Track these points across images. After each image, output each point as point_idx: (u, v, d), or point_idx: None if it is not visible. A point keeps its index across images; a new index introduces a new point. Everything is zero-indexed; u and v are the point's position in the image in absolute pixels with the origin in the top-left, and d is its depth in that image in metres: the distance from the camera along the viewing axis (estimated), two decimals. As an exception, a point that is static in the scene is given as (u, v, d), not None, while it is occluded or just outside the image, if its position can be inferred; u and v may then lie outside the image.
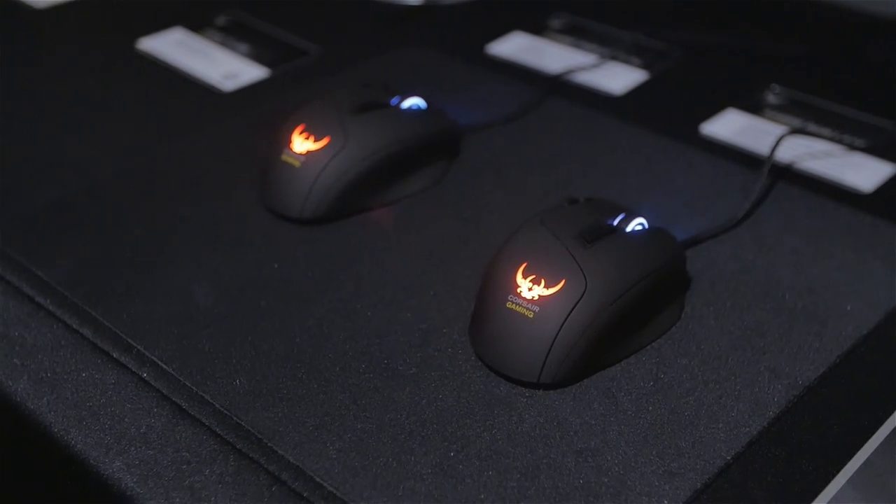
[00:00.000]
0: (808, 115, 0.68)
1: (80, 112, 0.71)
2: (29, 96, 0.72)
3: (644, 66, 0.74)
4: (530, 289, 0.48)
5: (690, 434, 0.45)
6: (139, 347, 0.50)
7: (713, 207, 0.59)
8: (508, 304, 0.48)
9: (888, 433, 0.45)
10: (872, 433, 0.45)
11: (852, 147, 0.64)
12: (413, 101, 0.62)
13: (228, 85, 0.73)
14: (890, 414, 0.46)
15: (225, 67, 0.75)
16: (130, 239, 0.58)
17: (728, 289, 0.53)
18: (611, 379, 0.48)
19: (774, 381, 0.48)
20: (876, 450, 0.44)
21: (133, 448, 0.46)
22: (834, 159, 0.63)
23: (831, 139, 0.65)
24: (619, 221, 0.52)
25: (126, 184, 0.62)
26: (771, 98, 0.70)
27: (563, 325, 0.47)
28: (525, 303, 0.48)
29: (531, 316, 0.47)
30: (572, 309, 0.47)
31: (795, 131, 0.65)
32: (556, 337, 0.47)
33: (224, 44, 0.78)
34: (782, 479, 0.44)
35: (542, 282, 0.48)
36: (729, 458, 0.44)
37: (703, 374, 0.48)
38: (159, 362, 0.49)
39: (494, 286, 0.49)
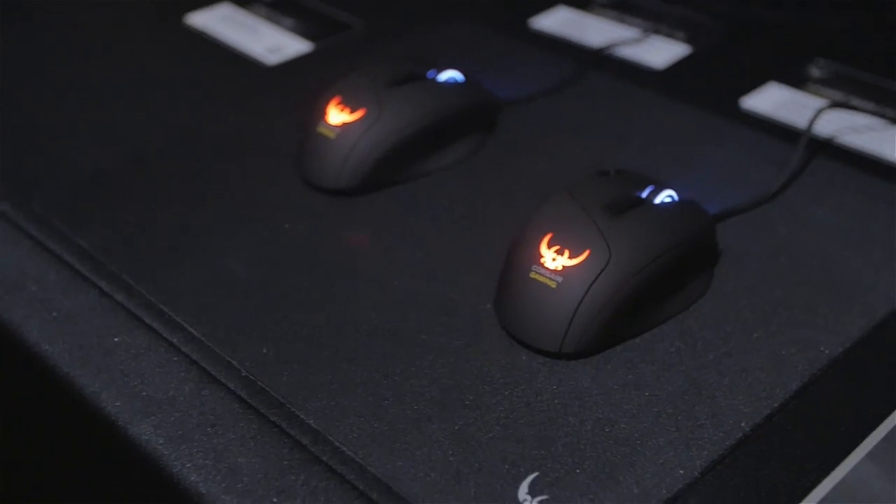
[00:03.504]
0: (851, 88, 0.67)
1: (126, 85, 0.72)
2: (78, 69, 0.74)
3: (687, 41, 0.74)
4: (554, 259, 0.48)
5: (710, 405, 0.45)
6: (170, 314, 0.51)
7: (748, 181, 0.59)
8: (532, 274, 0.48)
9: (912, 408, 0.45)
10: (895, 408, 0.45)
11: (895, 121, 0.63)
12: (450, 74, 0.63)
13: (272, 58, 0.74)
14: (915, 388, 0.46)
15: (270, 41, 0.76)
16: (169, 209, 0.59)
17: (758, 262, 0.53)
18: (632, 350, 0.48)
19: (798, 354, 0.48)
20: (898, 424, 0.44)
21: (161, 411, 0.47)
22: (875, 133, 0.62)
23: (874, 113, 0.64)
24: (648, 193, 0.52)
25: (168, 155, 0.64)
26: (814, 71, 0.69)
27: (585, 295, 0.47)
28: (548, 273, 0.48)
29: (554, 286, 0.47)
30: (595, 279, 0.47)
31: (836, 104, 0.64)
32: (578, 307, 0.47)
33: (270, 18, 0.79)
34: (800, 452, 0.43)
35: (566, 252, 0.48)
36: (748, 429, 0.44)
37: (726, 346, 0.48)
38: (189, 328, 0.50)
39: (519, 256, 0.49)
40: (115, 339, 0.50)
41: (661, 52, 0.73)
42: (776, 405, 0.45)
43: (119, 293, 0.53)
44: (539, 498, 0.42)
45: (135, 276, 0.54)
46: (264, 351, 0.49)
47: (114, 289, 0.53)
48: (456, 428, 0.45)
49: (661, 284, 0.49)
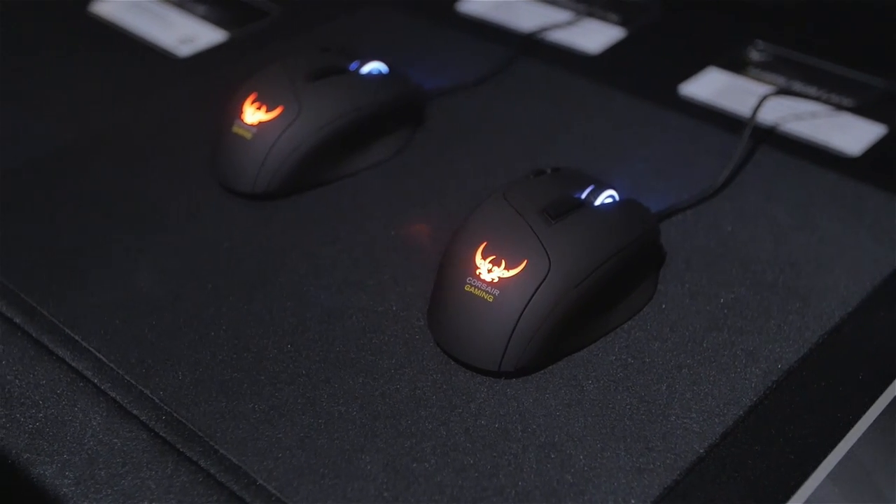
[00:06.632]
0: (793, 72, 0.64)
1: (25, 80, 0.67)
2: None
3: (622, 23, 0.71)
4: (490, 270, 0.45)
5: (661, 425, 0.42)
6: (76, 338, 0.47)
7: (691, 175, 0.56)
8: (467, 287, 0.45)
9: (873, 421, 0.42)
10: (856, 422, 0.42)
11: (840, 107, 0.61)
12: (373, 66, 0.59)
13: (184, 50, 0.70)
14: (875, 399, 0.43)
15: (181, 31, 0.72)
16: (71, 218, 0.54)
17: (705, 264, 0.50)
18: (577, 365, 0.45)
19: (752, 364, 0.45)
20: (859, 440, 0.41)
21: (66, 449, 0.43)
22: (820, 120, 0.60)
23: (818, 98, 0.61)
24: (588, 194, 0.49)
25: (69, 158, 0.59)
26: (754, 55, 0.66)
27: (524, 309, 0.44)
28: (484, 286, 0.44)
29: (491, 300, 0.44)
30: (534, 292, 0.44)
31: (780, 91, 0.61)
32: (517, 322, 0.44)
33: (181, 6, 0.75)
34: (759, 474, 0.41)
35: (503, 263, 0.44)
36: (702, 451, 0.41)
37: (676, 358, 0.45)
38: (96, 353, 0.46)
39: (453, 268, 0.46)
40: (14, 369, 0.46)
41: (594, 35, 0.69)
42: (730, 423, 0.42)
43: (18, 316, 0.48)
44: (482, 536, 0.39)
45: (35, 296, 0.49)
46: (179, 377, 0.45)
47: (12, 311, 0.49)
48: (390, 459, 0.41)
49: (604, 293, 0.46)
